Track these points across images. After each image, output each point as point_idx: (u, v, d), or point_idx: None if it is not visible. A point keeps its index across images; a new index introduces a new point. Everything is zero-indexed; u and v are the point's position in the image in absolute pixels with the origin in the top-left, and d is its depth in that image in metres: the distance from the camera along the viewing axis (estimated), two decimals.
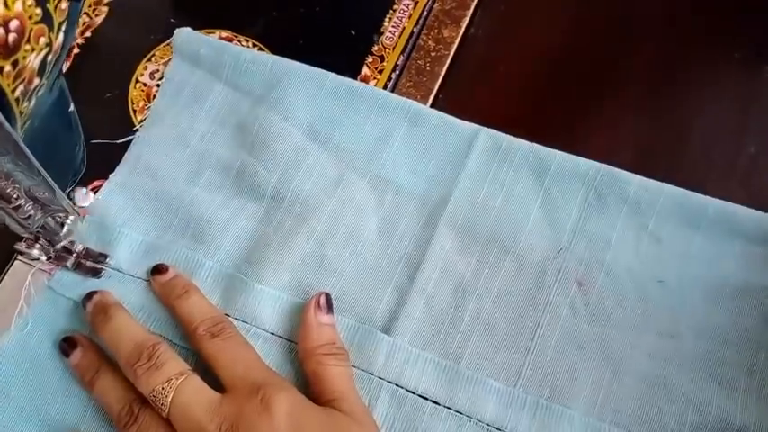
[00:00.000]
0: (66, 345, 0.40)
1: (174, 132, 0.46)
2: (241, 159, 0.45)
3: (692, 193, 0.42)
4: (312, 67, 0.47)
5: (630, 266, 0.41)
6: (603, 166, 0.44)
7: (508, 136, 0.45)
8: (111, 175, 0.45)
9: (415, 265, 0.42)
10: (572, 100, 0.50)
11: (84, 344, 0.39)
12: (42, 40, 0.29)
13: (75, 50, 0.50)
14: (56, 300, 0.42)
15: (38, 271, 0.42)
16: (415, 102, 0.47)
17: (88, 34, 0.51)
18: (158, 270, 0.42)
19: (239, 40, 0.50)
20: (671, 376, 0.38)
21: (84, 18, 0.50)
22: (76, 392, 0.39)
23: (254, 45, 0.50)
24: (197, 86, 0.48)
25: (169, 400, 0.35)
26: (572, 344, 0.40)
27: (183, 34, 0.49)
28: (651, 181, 0.43)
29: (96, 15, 0.51)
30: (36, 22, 0.29)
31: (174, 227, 0.44)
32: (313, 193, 0.44)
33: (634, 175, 0.43)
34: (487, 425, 0.38)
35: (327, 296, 0.39)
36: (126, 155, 0.46)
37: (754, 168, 0.46)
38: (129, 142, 0.47)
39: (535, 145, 0.44)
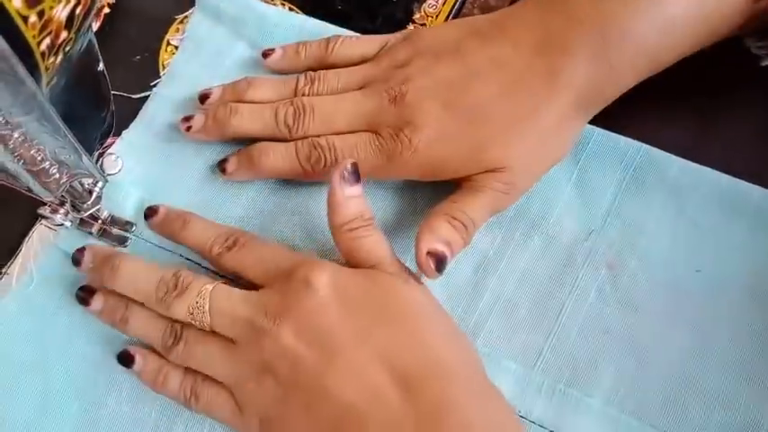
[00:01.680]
0: (84, 293, 0.39)
1: (191, 91, 0.45)
2: None
3: (736, 179, 0.40)
4: (341, 30, 0.46)
5: (665, 253, 0.39)
6: (644, 146, 0.41)
7: None
8: (124, 132, 0.44)
9: None
10: None
11: (102, 289, 0.39)
12: None
13: (106, 10, 0.48)
14: (61, 257, 0.41)
15: (44, 228, 0.42)
16: None
17: None
18: (150, 213, 0.41)
19: (275, 2, 0.48)
20: (699, 370, 0.37)
21: None
22: (80, 352, 0.39)
23: (290, 9, 0.48)
24: (217, 44, 0.47)
25: (207, 308, 0.35)
26: (597, 329, 0.38)
27: None
28: (693, 164, 0.41)
29: None
30: None
31: (184, 188, 0.43)
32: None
33: (676, 157, 0.41)
34: None
35: (354, 165, 0.36)
36: (141, 112, 0.45)
37: None
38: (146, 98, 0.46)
39: None
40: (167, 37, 0.47)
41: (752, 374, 0.36)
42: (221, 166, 0.42)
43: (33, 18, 0.26)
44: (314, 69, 0.43)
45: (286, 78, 0.43)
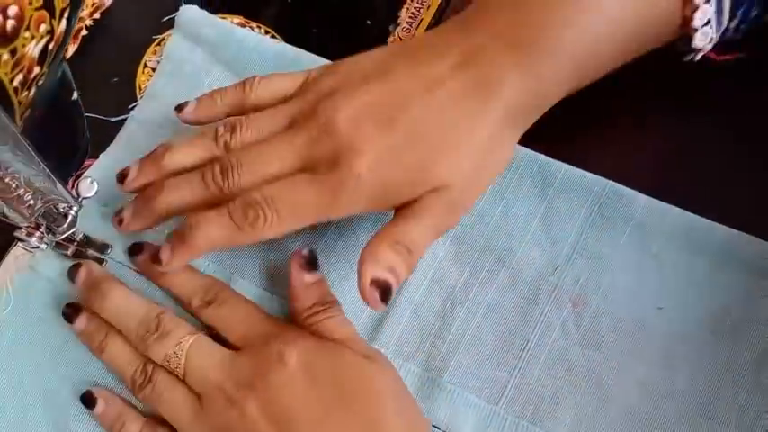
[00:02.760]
0: (71, 310, 0.39)
1: (168, 113, 0.44)
2: None
3: (699, 218, 0.40)
4: (318, 59, 0.46)
5: (629, 290, 0.40)
6: (610, 182, 0.41)
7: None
8: (101, 155, 0.44)
9: None
10: (589, 102, 0.48)
11: (88, 310, 0.39)
12: (43, 28, 0.28)
13: (84, 32, 0.49)
14: (38, 279, 0.41)
15: (20, 250, 0.42)
16: None
17: (97, 16, 0.49)
18: (134, 251, 0.41)
19: (251, 26, 0.49)
20: (660, 409, 0.37)
21: None
22: (56, 376, 0.39)
23: (266, 32, 0.49)
24: (195, 67, 0.47)
25: (183, 362, 0.36)
26: (560, 366, 0.38)
27: (189, 11, 0.48)
28: (658, 202, 0.41)
29: None
30: (37, 9, 0.28)
31: None
32: None
33: (641, 194, 0.41)
34: None
35: (310, 252, 0.37)
36: (119, 133, 0.45)
37: None
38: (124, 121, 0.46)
39: (541, 155, 0.42)
40: (144, 59, 0.48)
41: (712, 412, 0.37)
42: (155, 259, 0.38)
43: (6, 56, 0.27)
44: (235, 115, 0.40)
45: (205, 131, 0.39)
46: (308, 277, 0.37)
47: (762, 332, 0.38)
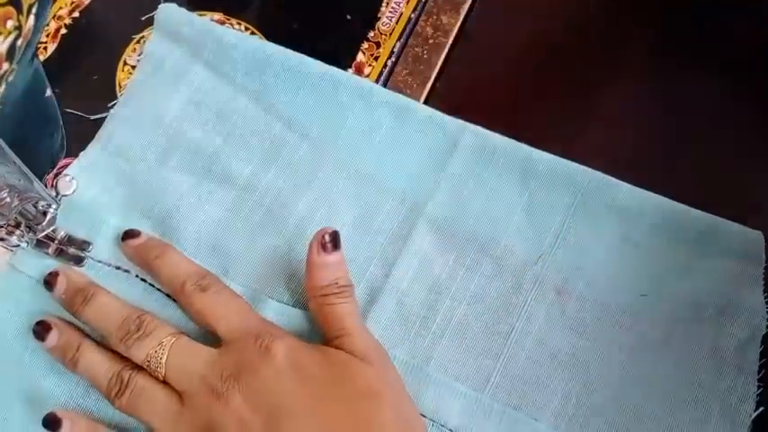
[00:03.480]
0: (41, 328, 0.39)
1: (148, 111, 0.45)
2: (215, 145, 0.44)
3: (682, 205, 0.41)
4: (297, 55, 0.46)
5: (612, 277, 0.40)
6: (592, 171, 0.42)
7: (496, 134, 0.43)
8: (81, 153, 0.44)
9: (391, 262, 0.41)
10: (572, 90, 0.48)
11: (59, 324, 0.39)
12: (10, 24, 0.28)
13: (63, 31, 0.48)
14: (17, 278, 0.41)
15: (1, 249, 0.42)
16: (402, 95, 0.45)
17: (76, 14, 0.49)
18: (130, 234, 0.41)
19: (231, 23, 0.49)
20: (644, 395, 0.37)
21: None
22: (36, 378, 0.39)
23: (246, 29, 0.49)
24: (175, 65, 0.46)
25: (164, 361, 0.35)
26: (545, 353, 0.38)
27: (168, 9, 0.47)
28: (640, 190, 0.41)
29: None
30: (2, 5, 0.27)
31: (139, 209, 0.43)
32: (287, 187, 0.43)
33: (623, 183, 0.41)
34: (450, 431, 0.37)
35: (333, 233, 0.37)
36: (99, 132, 0.45)
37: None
38: (104, 119, 0.45)
39: (523, 145, 0.43)
40: (124, 57, 0.48)
41: (696, 399, 0.37)
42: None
43: None
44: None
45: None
46: (327, 257, 0.37)
47: (745, 318, 0.38)
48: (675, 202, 0.41)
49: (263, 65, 0.45)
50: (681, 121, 0.46)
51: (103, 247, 0.42)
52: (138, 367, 0.36)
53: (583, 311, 0.39)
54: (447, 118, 0.44)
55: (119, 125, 0.45)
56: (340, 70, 0.45)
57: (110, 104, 0.46)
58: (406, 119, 0.44)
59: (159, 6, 0.48)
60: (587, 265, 0.40)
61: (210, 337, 0.37)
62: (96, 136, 0.45)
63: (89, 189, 0.43)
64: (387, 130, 0.44)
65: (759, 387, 0.37)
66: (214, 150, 0.44)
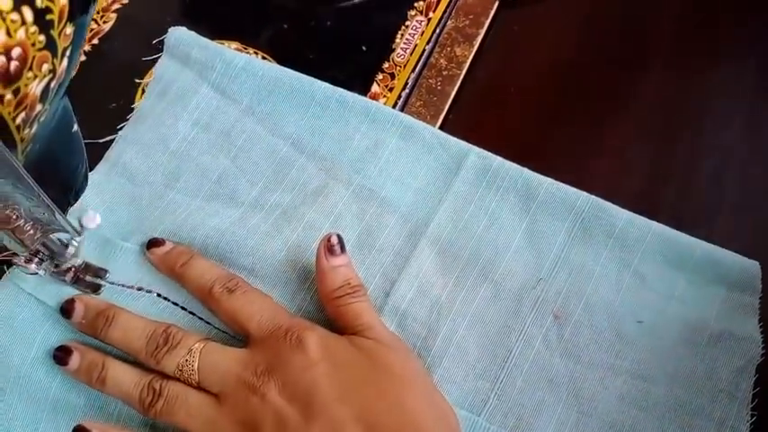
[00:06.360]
0: (62, 353, 0.39)
1: (155, 133, 0.46)
2: (223, 167, 0.45)
3: (680, 233, 0.42)
4: (304, 77, 0.46)
5: (610, 303, 0.41)
6: (592, 197, 0.43)
7: (499, 158, 0.44)
8: (90, 174, 0.45)
9: (392, 280, 0.41)
10: (583, 122, 0.49)
11: (79, 347, 0.39)
12: (45, 67, 0.29)
13: (82, 58, 0.49)
14: (17, 293, 0.41)
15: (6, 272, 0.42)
16: (408, 115, 0.46)
17: (95, 41, 0.50)
18: (155, 243, 0.42)
19: (249, 52, 0.50)
20: (639, 422, 0.38)
21: (92, 25, 0.49)
22: (34, 387, 0.39)
23: (263, 58, 0.49)
24: (183, 87, 0.47)
25: (196, 366, 0.36)
26: (542, 377, 0.39)
27: (177, 33, 0.48)
28: (639, 217, 0.42)
29: (104, 22, 0.50)
30: (39, 49, 0.28)
31: (144, 230, 0.43)
32: (293, 204, 0.43)
33: (622, 209, 0.42)
34: None
35: (338, 237, 0.39)
36: (107, 153, 0.46)
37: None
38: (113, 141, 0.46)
39: (525, 170, 0.44)
40: (142, 84, 0.48)
41: (691, 427, 0.38)
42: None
43: (9, 96, 0.27)
44: None
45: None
46: (335, 260, 0.38)
47: (740, 346, 0.39)
48: (674, 230, 0.42)
49: (271, 87, 0.46)
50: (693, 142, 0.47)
51: (117, 269, 0.42)
52: (168, 377, 0.36)
53: (579, 336, 0.40)
54: (452, 139, 0.45)
55: (127, 147, 0.46)
56: (347, 91, 0.46)
57: (119, 126, 0.47)
58: (411, 138, 0.45)
59: (169, 30, 0.48)
60: (586, 289, 0.41)
61: (237, 343, 0.38)
62: (105, 156, 0.45)
63: (95, 210, 0.44)
64: (392, 148, 0.45)
65: (752, 416, 0.38)
66: (222, 172, 0.45)
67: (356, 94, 0.46)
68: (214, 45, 0.48)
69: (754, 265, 0.41)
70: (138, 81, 0.48)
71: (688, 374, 0.39)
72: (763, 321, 0.40)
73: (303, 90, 0.46)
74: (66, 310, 0.40)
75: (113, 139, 0.46)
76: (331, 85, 0.46)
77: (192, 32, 0.48)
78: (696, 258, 0.41)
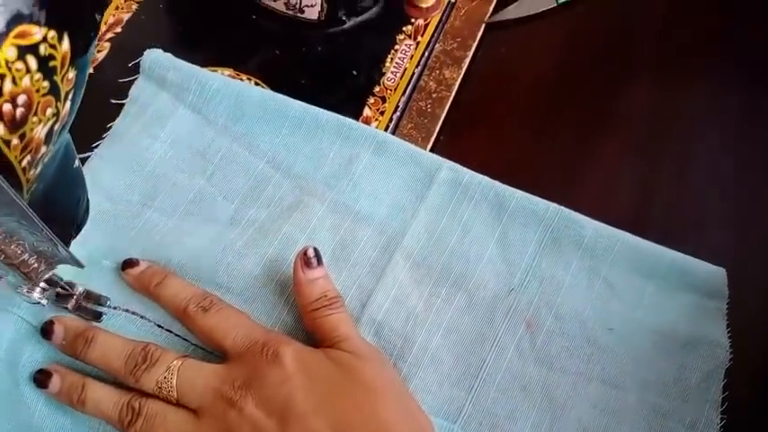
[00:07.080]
0: (42, 376, 0.39)
1: (131, 153, 0.46)
2: (198, 186, 0.46)
3: (647, 242, 0.43)
4: (278, 96, 0.47)
5: (580, 311, 0.42)
6: (561, 208, 0.44)
7: (470, 171, 0.45)
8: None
9: (368, 292, 0.42)
10: (571, 138, 0.50)
11: (59, 369, 0.39)
12: (49, 111, 0.29)
13: None
14: (1, 313, 0.41)
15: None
16: (380, 131, 0.47)
17: (90, 70, 0.50)
18: (130, 264, 0.42)
19: (242, 78, 0.50)
20: (611, 426, 0.39)
21: None
22: (19, 407, 0.39)
23: (255, 83, 0.50)
24: (159, 109, 0.48)
25: (175, 383, 0.36)
26: (516, 385, 0.40)
27: (153, 55, 0.49)
28: (607, 227, 0.43)
29: (98, 51, 0.51)
30: (43, 95, 0.29)
31: (121, 248, 0.43)
32: (269, 219, 0.44)
33: (591, 219, 0.44)
34: None
35: (315, 250, 0.40)
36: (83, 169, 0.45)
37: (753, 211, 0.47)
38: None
39: (496, 182, 0.45)
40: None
41: (660, 427, 0.39)
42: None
43: (15, 141, 0.28)
44: None
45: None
46: (312, 273, 0.39)
47: (709, 351, 0.40)
48: (641, 239, 0.43)
49: (246, 107, 0.47)
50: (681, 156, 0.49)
51: (96, 288, 0.42)
52: (147, 395, 0.37)
53: (551, 344, 0.41)
54: (425, 153, 0.46)
55: (102, 165, 0.46)
56: (320, 109, 0.47)
57: (93, 144, 0.47)
58: (384, 154, 0.46)
59: (145, 52, 0.49)
60: (556, 298, 0.42)
61: (216, 359, 0.39)
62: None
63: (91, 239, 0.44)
64: (366, 164, 0.46)
65: (722, 419, 0.39)
66: (198, 191, 0.45)
67: (329, 112, 0.47)
68: (189, 67, 0.49)
69: (720, 272, 0.42)
70: None
71: (659, 379, 0.40)
72: (731, 327, 0.41)
73: (278, 109, 0.47)
74: (45, 331, 0.40)
75: (88, 156, 0.46)
76: (305, 104, 0.47)
77: (168, 54, 0.49)
78: (664, 266, 0.42)
